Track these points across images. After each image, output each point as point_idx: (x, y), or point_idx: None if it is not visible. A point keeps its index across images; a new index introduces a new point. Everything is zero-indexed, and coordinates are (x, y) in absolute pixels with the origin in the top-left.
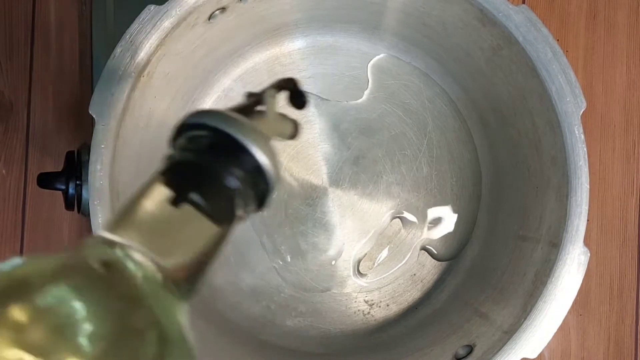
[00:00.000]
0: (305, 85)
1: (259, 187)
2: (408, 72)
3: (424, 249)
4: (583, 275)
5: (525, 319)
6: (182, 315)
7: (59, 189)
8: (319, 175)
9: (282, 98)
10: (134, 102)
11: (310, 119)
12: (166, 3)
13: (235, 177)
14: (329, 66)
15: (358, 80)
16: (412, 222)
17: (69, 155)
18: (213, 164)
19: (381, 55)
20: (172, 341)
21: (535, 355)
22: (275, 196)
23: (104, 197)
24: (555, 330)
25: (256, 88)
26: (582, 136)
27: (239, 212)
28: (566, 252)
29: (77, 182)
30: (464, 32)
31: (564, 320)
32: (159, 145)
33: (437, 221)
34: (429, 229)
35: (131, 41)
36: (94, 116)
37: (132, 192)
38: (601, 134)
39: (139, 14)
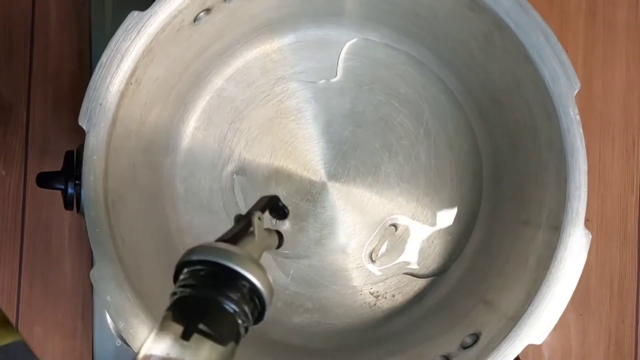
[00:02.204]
0: (299, 81)
1: (256, 305)
2: (402, 61)
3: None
4: (585, 259)
5: (529, 304)
6: None
7: (58, 189)
8: (317, 171)
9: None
10: (124, 110)
11: (305, 114)
12: (149, 8)
13: (234, 302)
14: (321, 60)
15: (352, 72)
16: (413, 212)
17: (68, 155)
18: (213, 294)
19: (374, 46)
20: None
21: (541, 342)
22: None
23: (100, 207)
24: (559, 314)
25: (248, 87)
26: (578, 117)
27: (242, 329)
28: (567, 234)
29: (76, 181)
30: (456, 20)
31: (564, 320)
32: (153, 151)
33: (439, 210)
34: (431, 218)
35: (117, 49)
36: (83, 127)
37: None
38: (601, 132)
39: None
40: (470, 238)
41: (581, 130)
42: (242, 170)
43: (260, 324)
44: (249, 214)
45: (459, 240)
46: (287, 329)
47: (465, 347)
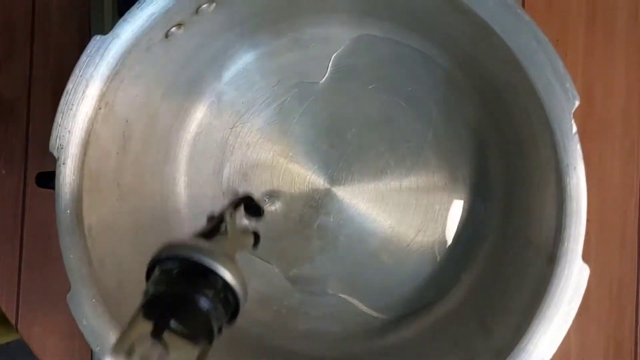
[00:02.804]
0: (300, 82)
1: (229, 303)
2: (408, 55)
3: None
4: (581, 298)
5: (517, 343)
6: None
7: None
8: (320, 176)
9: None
10: (97, 133)
11: (307, 116)
12: (110, 32)
13: (207, 298)
14: (321, 59)
15: (355, 71)
16: (422, 220)
17: None
18: (185, 291)
19: (378, 42)
20: None
21: None
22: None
23: (73, 234)
24: (549, 358)
25: (248, 90)
26: (577, 137)
27: (216, 328)
28: (561, 269)
29: None
30: (448, 19)
31: None
32: (148, 163)
33: (448, 217)
34: (440, 226)
35: (81, 75)
36: (54, 155)
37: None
38: (600, 136)
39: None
40: (480, 247)
41: (580, 151)
42: (244, 175)
43: (264, 330)
44: (222, 212)
45: (469, 249)
46: (291, 336)
47: None
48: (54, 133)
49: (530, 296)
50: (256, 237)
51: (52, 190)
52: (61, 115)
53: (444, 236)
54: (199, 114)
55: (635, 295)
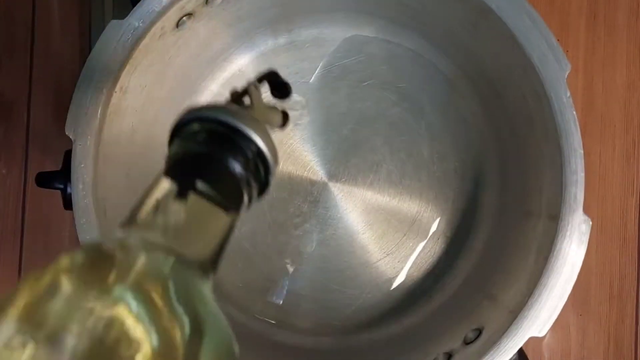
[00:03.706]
0: (295, 81)
1: (260, 171)
2: (399, 54)
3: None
4: (586, 247)
5: (529, 296)
6: (208, 290)
7: (58, 188)
8: (317, 171)
9: (266, 90)
10: (111, 118)
11: (303, 113)
12: (127, 17)
13: (238, 161)
14: (316, 58)
15: (348, 69)
16: (417, 209)
17: (68, 155)
18: (215, 152)
19: (369, 41)
20: (205, 318)
21: (542, 334)
22: (276, 197)
23: (90, 215)
24: (561, 306)
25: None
26: (570, 100)
27: (246, 197)
28: (565, 222)
29: None
30: (442, 7)
31: (563, 320)
32: (149, 158)
33: (443, 204)
34: (436, 213)
35: (97, 59)
36: (70, 136)
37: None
38: (601, 133)
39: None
40: (477, 232)
41: (574, 113)
42: None
43: (266, 326)
44: (246, 87)
45: (466, 235)
46: (295, 331)
47: (467, 342)
48: (70, 115)
49: (535, 255)
50: (284, 115)
51: (52, 190)
52: (78, 97)
53: (439, 222)
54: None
55: (636, 294)
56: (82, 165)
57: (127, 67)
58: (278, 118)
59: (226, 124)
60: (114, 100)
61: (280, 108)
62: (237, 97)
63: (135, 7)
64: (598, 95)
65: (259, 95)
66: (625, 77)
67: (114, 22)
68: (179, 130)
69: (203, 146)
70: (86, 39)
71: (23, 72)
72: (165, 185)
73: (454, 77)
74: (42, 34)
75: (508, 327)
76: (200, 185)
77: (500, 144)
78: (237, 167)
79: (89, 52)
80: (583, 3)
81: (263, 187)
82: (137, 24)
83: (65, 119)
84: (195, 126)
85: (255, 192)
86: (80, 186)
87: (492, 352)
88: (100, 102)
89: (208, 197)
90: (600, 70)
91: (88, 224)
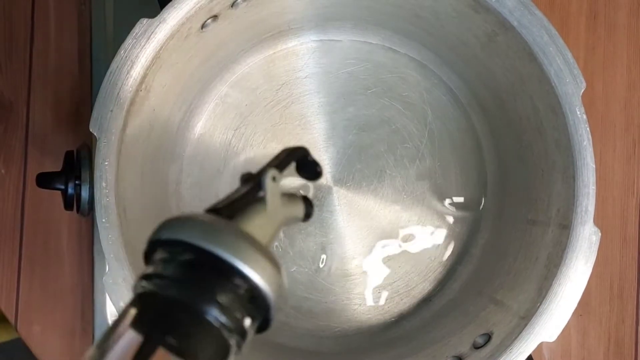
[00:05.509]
0: (303, 86)
1: (258, 307)
2: (404, 64)
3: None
4: (595, 256)
5: (541, 303)
6: None
7: (58, 189)
8: (323, 175)
9: (290, 171)
10: (134, 117)
11: (310, 119)
12: (158, 15)
13: (221, 309)
14: (324, 65)
15: (355, 76)
16: (420, 215)
17: (68, 155)
18: (189, 297)
19: (376, 50)
20: None
21: (553, 339)
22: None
23: (112, 214)
24: (571, 312)
25: (252, 93)
26: (584, 116)
27: (233, 347)
28: (577, 233)
29: (76, 181)
30: (458, 20)
31: None
32: (160, 158)
33: (445, 211)
34: (438, 220)
35: (126, 56)
36: (94, 133)
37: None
38: (602, 134)
39: (138, 15)
40: (477, 238)
41: (588, 129)
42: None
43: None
44: (261, 172)
45: (466, 241)
46: (296, 333)
47: (477, 347)
48: (96, 112)
49: (545, 262)
50: (307, 204)
51: (52, 191)
52: (104, 94)
53: (441, 229)
54: (204, 115)
55: (636, 295)
56: (106, 163)
57: (154, 66)
58: (299, 212)
59: (210, 254)
60: (138, 98)
61: (299, 194)
62: (249, 188)
63: (165, 7)
64: (598, 96)
65: (277, 189)
66: (626, 77)
67: (144, 20)
68: (155, 247)
69: (172, 288)
70: (86, 39)
71: (23, 71)
72: (130, 334)
73: (456, 88)
74: (41, 34)
75: (520, 332)
76: (170, 340)
77: (502, 153)
78: (219, 318)
79: (90, 52)
80: (583, 3)
81: (263, 326)
82: (167, 23)
83: (65, 118)
84: (175, 249)
85: (248, 333)
86: (104, 184)
87: (503, 357)
88: (126, 100)
89: (180, 354)
90: (601, 71)
91: (110, 223)
